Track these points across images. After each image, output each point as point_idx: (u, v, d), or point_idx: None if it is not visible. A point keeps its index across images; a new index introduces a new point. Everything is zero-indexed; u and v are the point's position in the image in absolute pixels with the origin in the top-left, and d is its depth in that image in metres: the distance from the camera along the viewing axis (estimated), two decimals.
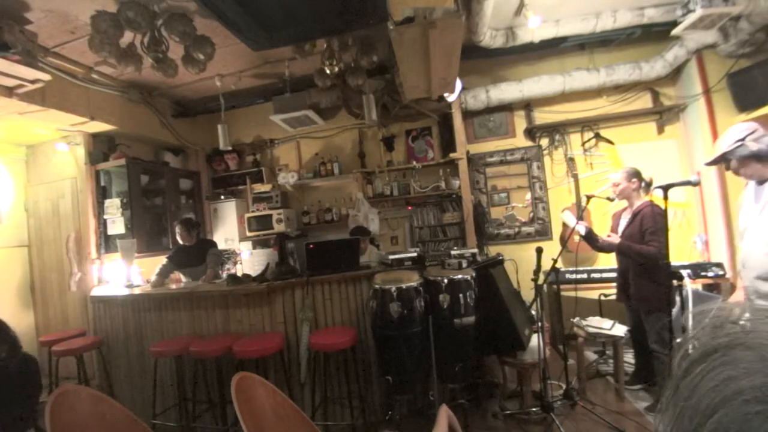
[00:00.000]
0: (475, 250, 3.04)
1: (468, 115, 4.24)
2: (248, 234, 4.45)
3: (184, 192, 4.66)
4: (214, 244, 3.77)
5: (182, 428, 2.75)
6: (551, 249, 2.99)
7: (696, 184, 2.09)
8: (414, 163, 4.24)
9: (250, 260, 4.28)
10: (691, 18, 2.74)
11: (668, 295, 2.10)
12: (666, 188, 2.06)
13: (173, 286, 3.31)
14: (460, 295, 2.47)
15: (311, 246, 2.91)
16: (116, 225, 3.79)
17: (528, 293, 2.85)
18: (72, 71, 3.32)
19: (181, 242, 3.57)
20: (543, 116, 4.21)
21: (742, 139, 1.87)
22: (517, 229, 4.25)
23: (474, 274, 2.60)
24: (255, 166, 4.74)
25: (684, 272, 2.72)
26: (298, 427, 1.85)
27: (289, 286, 2.88)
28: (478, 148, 4.34)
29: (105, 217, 3.81)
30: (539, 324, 2.56)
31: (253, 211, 4.49)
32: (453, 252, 2.93)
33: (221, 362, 2.70)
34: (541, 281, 2.54)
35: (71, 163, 3.89)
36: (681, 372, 0.30)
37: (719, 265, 3.25)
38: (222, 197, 4.77)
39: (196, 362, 2.80)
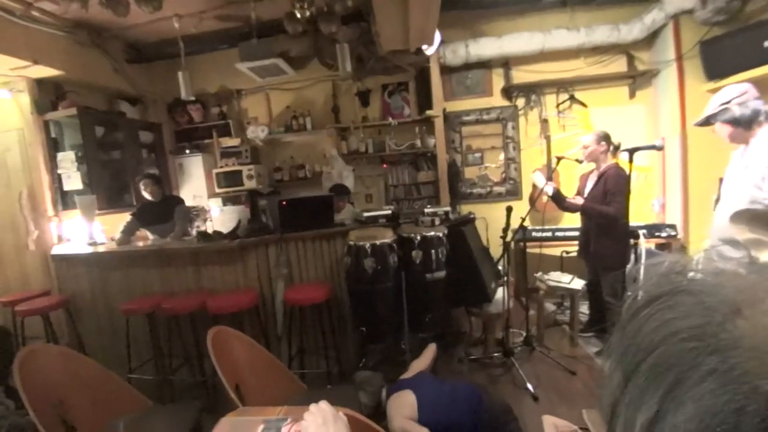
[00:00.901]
0: (448, 209, 3.11)
1: (446, 70, 4.13)
2: (217, 190, 4.30)
3: (145, 145, 4.38)
4: (181, 201, 3.64)
5: (159, 381, 2.79)
6: (520, 208, 3.09)
7: (660, 148, 2.16)
8: (390, 119, 4.15)
9: (220, 217, 4.18)
10: None
11: (625, 252, 2.25)
12: (632, 152, 2.14)
13: (140, 244, 3.20)
14: (432, 252, 2.55)
15: (284, 203, 2.86)
16: (72, 180, 3.54)
17: (496, 249, 2.98)
18: (9, 7, 2.92)
19: (150, 198, 3.41)
20: (521, 75, 4.17)
21: (727, 102, 1.85)
22: (489, 189, 4.35)
23: (446, 232, 2.67)
24: (222, 118, 4.48)
25: (640, 232, 2.91)
26: (275, 374, 1.92)
27: (262, 243, 2.86)
28: (455, 106, 4.28)
29: (59, 171, 3.55)
30: (505, 278, 2.70)
31: (221, 167, 4.32)
32: (426, 210, 2.98)
33: (195, 318, 2.71)
34: (509, 239, 2.65)
35: (15, 113, 3.52)
36: (628, 316, 0.34)
37: (672, 227, 3.50)
38: (187, 151, 4.53)
39: (170, 319, 2.79)
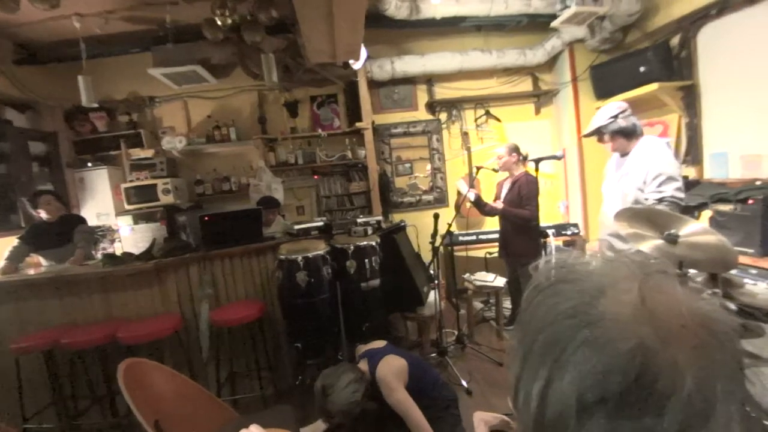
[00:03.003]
0: (381, 218, 3.18)
1: (374, 84, 4.25)
2: (127, 207, 3.87)
3: (36, 158, 3.80)
4: (82, 220, 3.21)
5: (63, 428, 2.41)
6: (447, 215, 3.28)
7: (560, 158, 2.49)
8: (320, 131, 4.14)
9: (131, 237, 3.77)
10: (567, 13, 3.12)
11: (538, 249, 2.51)
12: (537, 161, 2.42)
13: (31, 271, 2.76)
14: (366, 261, 2.58)
15: (207, 218, 2.69)
16: None
17: (427, 254, 3.11)
18: None
19: (45, 217, 2.95)
20: (443, 92, 4.45)
21: (616, 116, 2.15)
22: (418, 198, 4.53)
23: (379, 240, 2.73)
24: (131, 127, 4.08)
25: (549, 231, 3.26)
26: (202, 404, 1.77)
27: (182, 263, 2.64)
28: (384, 118, 4.41)
29: None
30: (436, 281, 2.84)
31: (131, 181, 3.91)
32: (359, 220, 3.01)
33: (106, 352, 2.40)
34: (438, 244, 2.79)
35: None
36: (525, 306, 0.41)
37: (575, 225, 3.97)
38: (90, 164, 4.03)
39: (73, 355, 2.43)
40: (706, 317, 0.34)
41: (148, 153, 4.01)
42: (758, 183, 2.74)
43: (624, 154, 2.22)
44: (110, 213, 3.98)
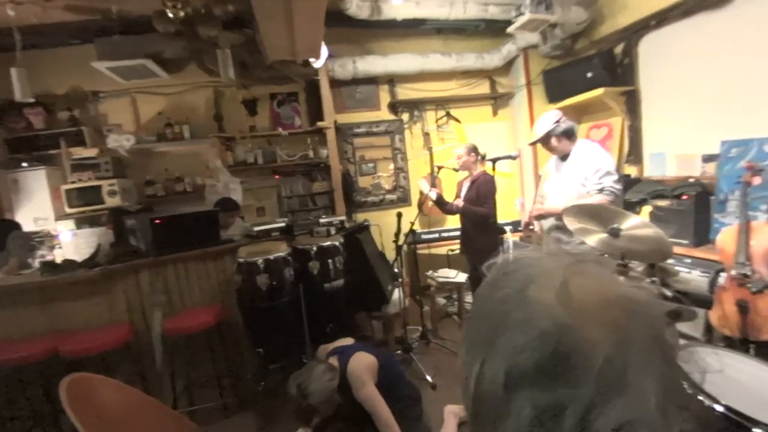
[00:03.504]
0: (344, 218, 3.16)
1: (336, 84, 4.21)
2: (68, 211, 3.58)
3: None
4: (16, 226, 2.95)
5: None
6: (410, 213, 3.32)
7: (515, 158, 2.62)
8: (280, 129, 4.04)
9: (73, 243, 3.49)
10: (521, 20, 3.25)
11: (496, 246, 2.61)
12: (494, 161, 2.53)
13: None
14: (330, 261, 2.56)
15: (158, 221, 2.55)
16: None
17: (391, 253, 3.13)
18: None
19: None
20: (404, 92, 4.49)
21: (558, 121, 2.41)
22: (382, 197, 4.55)
23: (342, 240, 2.71)
24: (73, 124, 3.77)
25: (507, 228, 3.39)
26: (156, 418, 1.68)
27: (131, 270, 2.49)
28: (347, 118, 4.39)
29: None
30: (400, 279, 2.86)
31: (73, 182, 3.62)
32: (322, 220, 2.98)
33: (47, 368, 2.21)
34: (401, 242, 2.82)
35: None
36: (474, 300, 0.48)
37: (531, 222, 4.14)
38: (25, 164, 3.69)
39: (9, 373, 2.22)
40: (624, 298, 0.37)
41: (91, 152, 3.73)
42: (691, 180, 3.00)
43: (563, 157, 2.46)
44: (49, 217, 3.66)
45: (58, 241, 3.51)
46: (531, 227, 2.66)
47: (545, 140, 2.47)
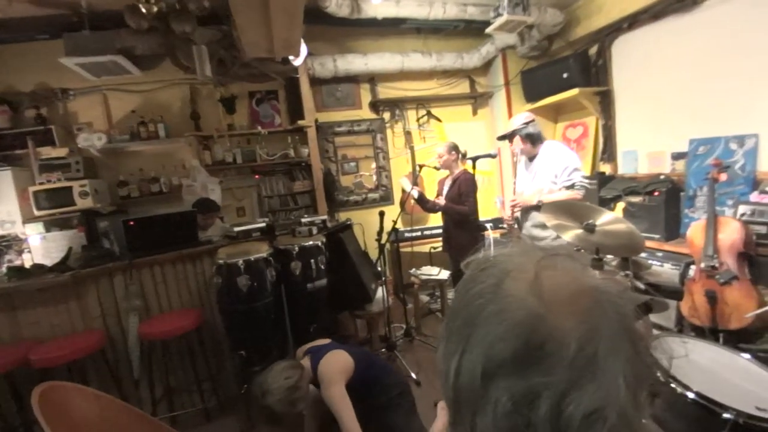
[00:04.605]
0: (326, 217, 3.14)
1: (316, 82, 4.18)
2: (37, 213, 3.42)
3: None
4: None
5: None
6: (392, 212, 3.32)
7: (494, 156, 2.69)
8: (259, 128, 3.98)
9: (43, 246, 3.34)
10: (499, 21, 3.30)
11: (478, 243, 2.65)
12: (474, 159, 2.58)
13: None
14: (312, 261, 2.54)
15: (131, 223, 2.47)
16: None
17: (374, 252, 3.13)
18: None
19: None
20: (385, 91, 4.49)
21: (527, 123, 2.52)
22: (364, 196, 4.54)
23: (324, 240, 2.69)
24: (40, 123, 3.61)
25: (488, 225, 3.45)
26: (134, 426, 1.62)
27: (104, 273, 2.40)
28: (327, 116, 4.35)
29: None
30: (383, 278, 2.87)
31: (41, 183, 3.46)
32: (303, 220, 2.95)
33: (15, 377, 2.12)
34: (384, 241, 2.82)
35: None
36: (454, 299, 0.48)
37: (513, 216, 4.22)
38: None
39: None
40: (593, 289, 0.39)
41: (60, 152, 3.58)
42: (662, 177, 3.12)
43: (531, 157, 2.59)
44: (16, 220, 3.48)
45: (27, 245, 3.36)
46: (512, 222, 2.72)
47: (510, 137, 2.60)
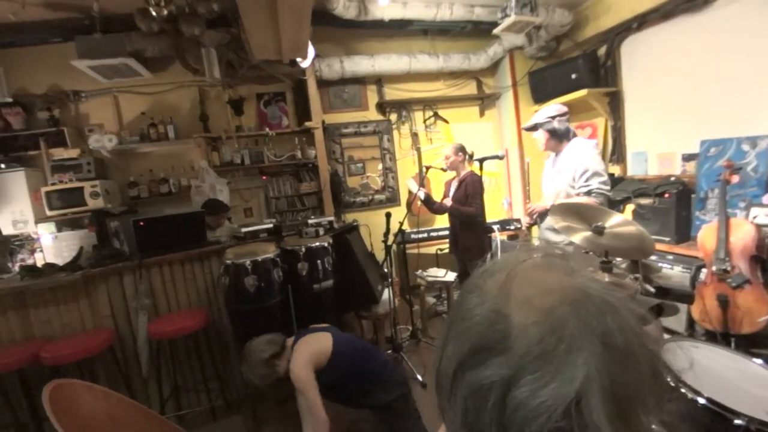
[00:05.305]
0: (332, 218, 3.15)
1: (323, 84, 4.19)
2: (49, 213, 3.48)
3: None
4: None
5: None
6: (399, 213, 3.32)
7: (502, 158, 2.62)
8: (267, 130, 4.01)
9: (55, 246, 3.40)
10: (507, 21, 3.29)
11: (484, 244, 2.63)
12: (481, 161, 2.54)
13: None
14: (318, 262, 2.54)
15: (141, 223, 2.50)
16: None
17: (380, 253, 3.13)
18: None
19: None
20: (392, 93, 4.49)
21: (553, 117, 2.31)
22: (370, 197, 4.54)
23: (331, 241, 2.70)
24: (53, 124, 3.67)
25: (495, 227, 3.43)
26: (143, 424, 1.64)
27: (114, 272, 2.43)
28: (334, 118, 4.37)
29: None
30: (390, 279, 2.86)
31: (53, 184, 3.53)
32: (310, 221, 2.96)
33: (27, 375, 2.16)
34: (390, 242, 2.82)
35: None
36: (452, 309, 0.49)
37: (518, 221, 4.20)
38: (3, 165, 3.57)
39: None
40: (570, 289, 0.39)
41: (72, 153, 3.64)
42: (672, 179, 3.08)
43: (558, 154, 2.41)
44: (29, 220, 3.55)
45: (39, 245, 3.42)
46: (532, 222, 2.57)
47: (533, 129, 2.41)
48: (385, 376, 1.88)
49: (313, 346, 1.78)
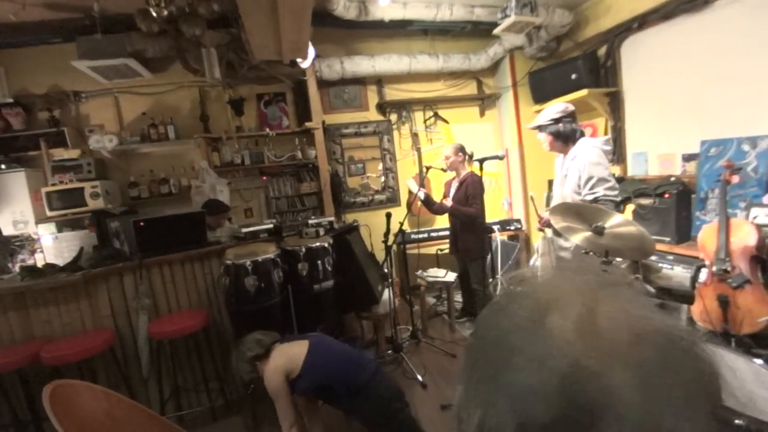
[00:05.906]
0: (333, 219, 3.15)
1: (323, 84, 4.20)
2: (49, 214, 3.48)
3: None
4: None
5: None
6: (399, 214, 3.33)
7: (502, 158, 2.61)
8: (267, 130, 4.01)
9: (55, 246, 3.40)
10: (507, 22, 3.29)
11: (484, 245, 2.63)
12: (481, 161, 2.53)
13: None
14: (319, 262, 2.55)
15: (141, 223, 2.50)
16: None
17: (380, 253, 3.13)
18: None
19: None
20: (392, 93, 4.50)
21: (558, 120, 2.23)
22: (371, 197, 4.54)
23: (331, 241, 2.70)
24: (53, 125, 3.68)
25: (495, 227, 3.43)
26: (143, 424, 1.64)
27: (115, 273, 2.43)
28: (334, 118, 4.37)
29: None
30: (390, 279, 2.87)
31: (54, 184, 3.53)
32: (311, 221, 2.96)
33: (27, 374, 2.16)
34: (390, 242, 2.82)
35: None
36: (476, 325, 0.39)
37: (518, 221, 4.20)
38: (3, 166, 3.58)
39: None
40: (658, 333, 0.30)
41: (73, 153, 3.64)
42: (673, 179, 3.08)
43: (566, 155, 2.32)
44: (29, 220, 3.56)
45: (39, 245, 3.43)
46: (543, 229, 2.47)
47: (538, 129, 2.34)
48: (370, 388, 1.83)
49: (285, 356, 1.83)
